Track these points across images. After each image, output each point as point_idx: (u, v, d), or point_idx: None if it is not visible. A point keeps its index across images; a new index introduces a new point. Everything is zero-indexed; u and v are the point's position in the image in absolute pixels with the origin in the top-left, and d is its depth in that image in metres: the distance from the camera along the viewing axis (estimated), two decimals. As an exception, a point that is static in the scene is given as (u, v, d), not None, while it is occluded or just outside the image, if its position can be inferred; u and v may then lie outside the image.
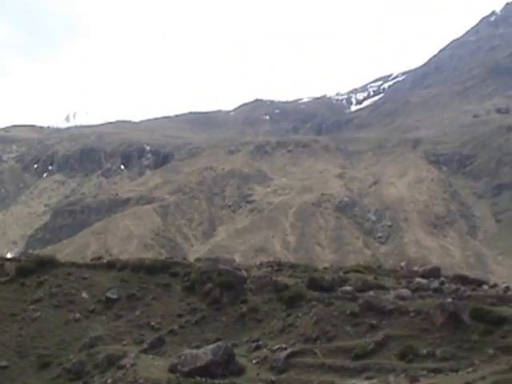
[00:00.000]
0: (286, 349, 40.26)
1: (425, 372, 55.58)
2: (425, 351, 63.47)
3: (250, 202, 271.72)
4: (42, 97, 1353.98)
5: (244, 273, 55.06)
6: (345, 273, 80.00)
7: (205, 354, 36.72)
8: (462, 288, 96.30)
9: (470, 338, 69.72)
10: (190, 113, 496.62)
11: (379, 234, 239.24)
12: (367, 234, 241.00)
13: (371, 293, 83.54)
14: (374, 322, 62.42)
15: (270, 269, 62.22)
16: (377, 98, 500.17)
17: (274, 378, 38.14)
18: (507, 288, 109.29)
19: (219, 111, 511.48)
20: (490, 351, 66.30)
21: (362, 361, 57.69)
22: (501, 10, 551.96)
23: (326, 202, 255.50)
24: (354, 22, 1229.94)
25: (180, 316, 49.72)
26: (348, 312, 51.49)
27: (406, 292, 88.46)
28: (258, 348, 40.15)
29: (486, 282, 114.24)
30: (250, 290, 52.10)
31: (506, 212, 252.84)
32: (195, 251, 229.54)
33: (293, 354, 40.80)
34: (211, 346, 37.68)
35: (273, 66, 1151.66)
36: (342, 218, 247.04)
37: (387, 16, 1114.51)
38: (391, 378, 50.93)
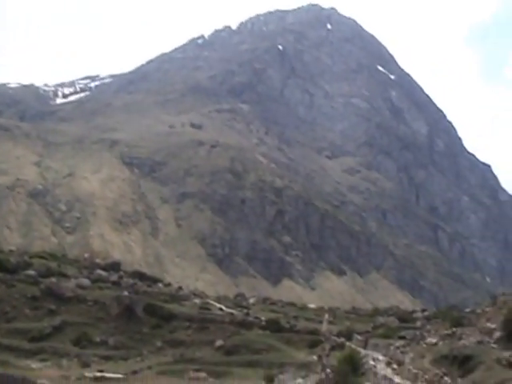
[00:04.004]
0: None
1: (96, 358, 56.09)
2: (98, 339, 64.24)
3: None
4: None
5: None
6: (30, 257, 78.02)
7: None
8: (139, 283, 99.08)
9: (141, 330, 71.96)
10: None
11: (67, 225, 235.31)
12: (56, 222, 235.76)
13: (53, 279, 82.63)
14: (53, 307, 61.61)
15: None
16: (82, 95, 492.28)
17: None
18: (180, 288, 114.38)
19: None
20: (158, 343, 69.07)
21: (38, 343, 56.70)
22: (209, 36, 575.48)
23: (19, 187, 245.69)
24: (72, 17, 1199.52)
25: None
26: (29, 295, 50.18)
27: (86, 282, 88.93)
28: None
29: (161, 281, 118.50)
30: None
31: (187, 218, 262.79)
32: None
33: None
34: None
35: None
36: (34, 205, 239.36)
37: (96, 17, 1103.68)
38: (64, 361, 50.55)
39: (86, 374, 49.65)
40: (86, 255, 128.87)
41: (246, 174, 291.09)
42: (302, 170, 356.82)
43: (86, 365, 52.97)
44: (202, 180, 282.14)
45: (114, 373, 51.08)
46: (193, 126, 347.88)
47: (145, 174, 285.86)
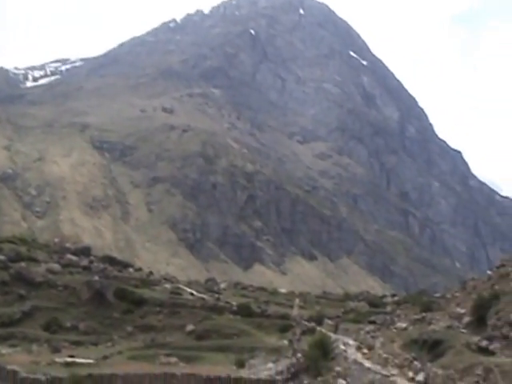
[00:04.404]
0: None
1: (67, 344, 55.85)
2: (69, 324, 64.04)
3: None
4: None
5: None
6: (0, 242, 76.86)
7: None
8: (110, 268, 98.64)
9: (111, 315, 71.89)
10: None
11: (37, 209, 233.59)
12: (26, 207, 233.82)
13: (23, 264, 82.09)
14: (23, 292, 61.12)
15: None
16: (53, 78, 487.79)
17: None
18: (150, 272, 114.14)
19: None
20: (129, 328, 69.01)
21: (8, 329, 56.35)
22: (181, 19, 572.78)
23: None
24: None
25: None
26: (-2, 281, 49.72)
27: (56, 266, 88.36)
28: None
29: (132, 265, 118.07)
30: None
31: (158, 203, 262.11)
32: None
33: None
34: None
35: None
36: (3, 189, 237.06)
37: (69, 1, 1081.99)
38: (34, 346, 50.23)
39: (57, 360, 49.41)
40: (56, 240, 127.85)
41: (217, 159, 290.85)
42: (273, 154, 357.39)
43: (56, 350, 52.74)
44: (174, 164, 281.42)
45: (84, 358, 50.93)
46: (164, 110, 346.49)
47: (115, 159, 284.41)
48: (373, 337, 47.10)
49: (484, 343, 33.68)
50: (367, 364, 39.09)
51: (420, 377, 33.36)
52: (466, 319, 39.53)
